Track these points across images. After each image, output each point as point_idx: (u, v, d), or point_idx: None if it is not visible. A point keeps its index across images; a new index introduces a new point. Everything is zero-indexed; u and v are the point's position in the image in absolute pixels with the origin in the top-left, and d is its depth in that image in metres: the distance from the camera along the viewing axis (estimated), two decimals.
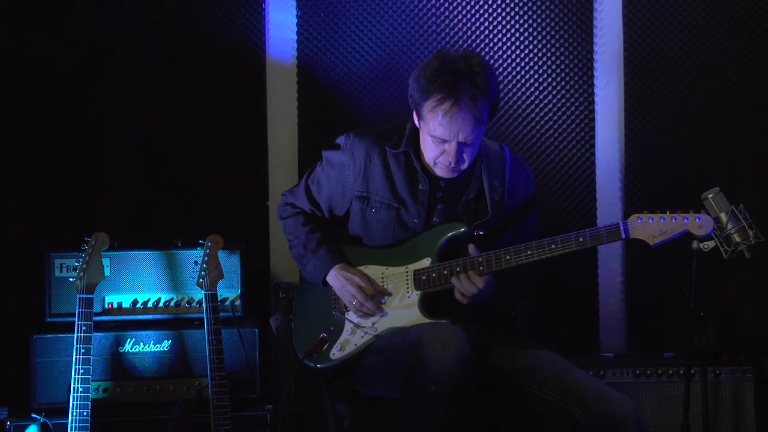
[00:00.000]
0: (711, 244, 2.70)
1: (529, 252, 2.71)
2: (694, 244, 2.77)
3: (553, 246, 2.70)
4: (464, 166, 2.80)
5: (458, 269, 2.75)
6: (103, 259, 3.30)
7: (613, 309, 3.95)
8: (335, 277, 2.88)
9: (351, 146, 2.92)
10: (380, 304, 2.83)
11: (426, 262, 2.82)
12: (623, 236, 2.66)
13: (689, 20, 3.88)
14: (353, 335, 2.85)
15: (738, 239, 2.65)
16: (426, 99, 2.70)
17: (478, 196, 2.88)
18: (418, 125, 2.82)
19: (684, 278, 3.14)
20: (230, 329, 3.38)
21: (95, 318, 3.26)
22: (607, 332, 3.95)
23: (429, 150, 2.79)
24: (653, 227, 2.65)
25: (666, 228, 2.65)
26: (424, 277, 2.81)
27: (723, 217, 2.67)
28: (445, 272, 2.77)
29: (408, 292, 2.83)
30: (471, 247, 2.77)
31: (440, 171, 2.81)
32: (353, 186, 2.92)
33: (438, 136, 2.72)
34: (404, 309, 2.82)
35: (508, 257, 2.72)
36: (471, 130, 2.70)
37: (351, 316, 2.87)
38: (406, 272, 2.84)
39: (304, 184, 3.03)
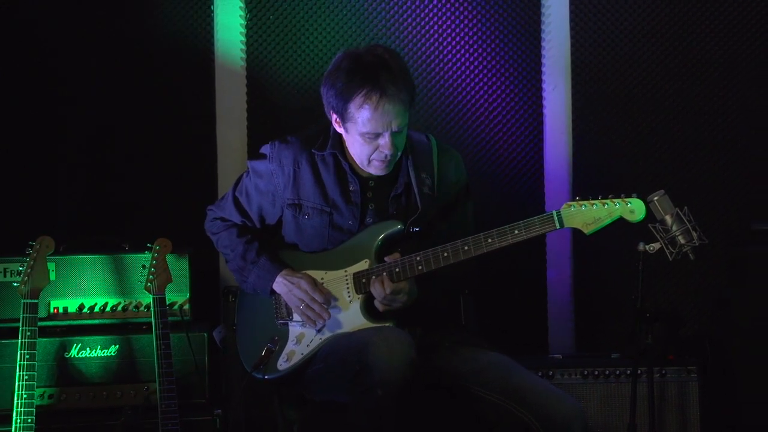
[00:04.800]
0: (656, 246, 2.72)
1: (466, 248, 2.71)
2: (640, 246, 2.80)
3: (489, 240, 2.69)
4: (397, 157, 2.80)
5: (397, 269, 2.75)
6: (48, 264, 3.25)
7: (562, 310, 3.99)
8: (282, 284, 2.85)
9: (278, 154, 2.90)
10: (326, 308, 2.81)
11: (365, 264, 2.81)
12: (557, 225, 2.66)
13: (635, 25, 3.94)
14: (298, 345, 2.83)
15: (682, 241, 2.68)
16: (349, 100, 2.70)
17: (407, 191, 2.87)
18: (342, 130, 2.80)
19: (631, 280, 3.18)
20: (179, 333, 3.34)
21: (40, 323, 3.21)
22: (556, 333, 3.98)
23: (361, 150, 2.78)
24: (586, 214, 2.66)
25: (599, 214, 2.66)
26: (363, 280, 2.79)
27: (668, 219, 2.69)
28: (384, 274, 2.76)
29: (349, 296, 2.82)
30: (386, 258, 2.76)
31: (375, 169, 2.80)
32: (283, 194, 2.90)
33: (371, 132, 2.72)
34: (347, 314, 2.81)
35: (445, 255, 2.72)
36: (402, 117, 2.72)
37: (295, 323, 2.86)
38: (346, 275, 2.83)
39: (231, 197, 2.99)
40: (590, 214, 2.66)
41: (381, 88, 2.67)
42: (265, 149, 2.94)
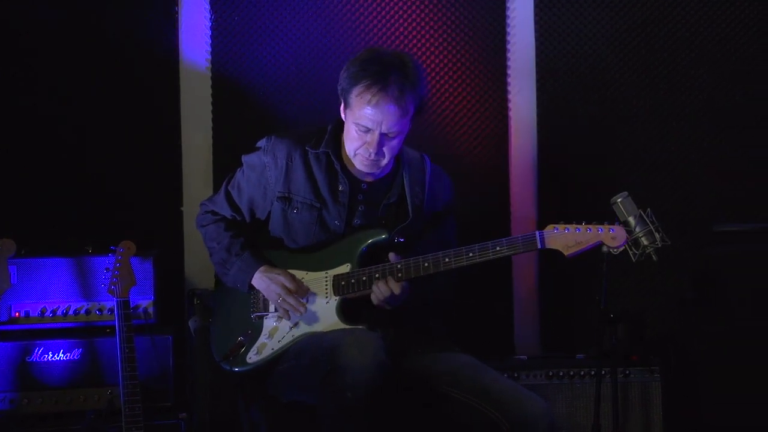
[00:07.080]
0: (620, 247, 2.75)
1: (446, 260, 2.75)
2: (605, 248, 2.83)
3: (470, 254, 2.74)
4: (384, 161, 2.82)
5: (377, 275, 2.77)
6: (9, 267, 3.21)
7: (527, 311, 4.01)
8: (260, 279, 2.88)
9: (272, 147, 2.93)
10: (303, 302, 2.83)
11: (346, 268, 2.84)
12: (539, 246, 2.72)
13: (599, 28, 3.97)
14: (270, 339, 2.85)
15: (646, 242, 2.71)
16: (354, 85, 2.73)
17: (399, 201, 2.91)
18: (343, 116, 2.84)
19: (595, 281, 3.20)
20: (143, 337, 3.32)
21: (1, 327, 3.19)
22: (522, 334, 4.00)
23: (351, 140, 2.81)
24: (568, 238, 2.71)
25: (581, 239, 2.71)
26: (343, 283, 2.82)
27: (631, 221, 2.73)
28: (364, 278, 2.79)
29: (327, 297, 2.84)
30: (391, 255, 2.79)
31: (359, 163, 2.83)
32: (275, 187, 2.92)
33: (362, 125, 2.74)
34: (322, 314, 2.84)
35: (426, 264, 2.75)
36: (395, 121, 2.73)
37: (270, 319, 2.86)
38: (326, 277, 2.85)
39: (224, 191, 3.03)
40: (573, 238, 2.72)
41: (385, 84, 2.70)
42: (261, 143, 2.97)
